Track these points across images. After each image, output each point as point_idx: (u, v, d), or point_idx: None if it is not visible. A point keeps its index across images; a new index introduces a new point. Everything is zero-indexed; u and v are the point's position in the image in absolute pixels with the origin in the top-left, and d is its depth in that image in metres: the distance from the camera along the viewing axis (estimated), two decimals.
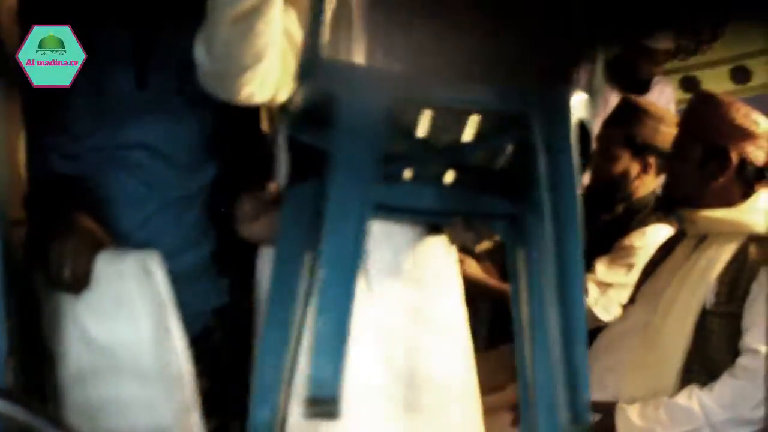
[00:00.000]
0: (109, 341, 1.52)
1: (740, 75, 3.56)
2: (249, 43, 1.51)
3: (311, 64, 1.13)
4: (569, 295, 0.99)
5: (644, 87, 3.56)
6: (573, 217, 1.00)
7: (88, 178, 1.62)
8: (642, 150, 2.62)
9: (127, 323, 1.53)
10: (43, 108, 1.57)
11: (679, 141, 2.25)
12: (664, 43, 3.51)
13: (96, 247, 1.53)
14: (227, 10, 1.44)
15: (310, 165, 1.16)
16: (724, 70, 3.64)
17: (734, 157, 2.10)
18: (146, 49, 1.63)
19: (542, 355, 1.15)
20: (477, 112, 1.08)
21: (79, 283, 1.50)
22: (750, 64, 3.56)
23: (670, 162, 2.31)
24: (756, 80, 3.61)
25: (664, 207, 2.38)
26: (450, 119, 1.11)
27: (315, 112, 1.11)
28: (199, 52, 1.54)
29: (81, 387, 1.53)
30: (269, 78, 1.57)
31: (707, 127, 2.14)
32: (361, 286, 1.52)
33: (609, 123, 2.70)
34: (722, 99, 2.19)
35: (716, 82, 3.65)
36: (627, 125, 2.63)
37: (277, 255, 1.17)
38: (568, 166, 1.02)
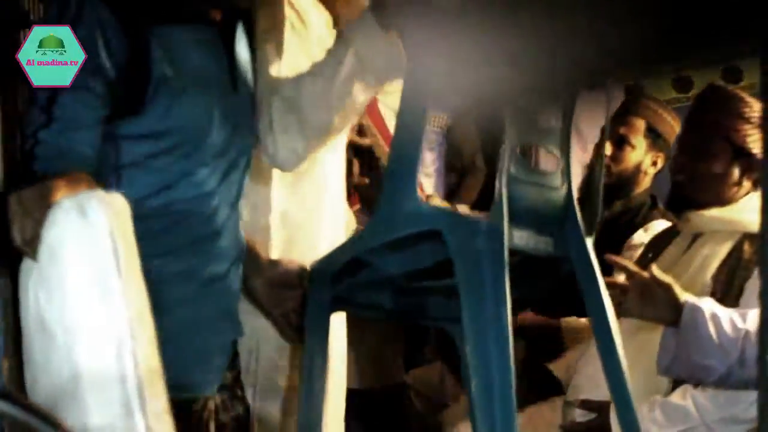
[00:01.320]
0: (48, 314, 1.24)
1: (732, 75, 3.56)
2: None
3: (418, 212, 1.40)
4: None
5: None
6: None
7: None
8: (659, 143, 2.62)
9: (58, 285, 1.23)
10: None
11: (704, 140, 2.11)
12: None
13: (54, 196, 1.28)
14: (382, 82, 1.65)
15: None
16: (716, 69, 3.64)
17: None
18: (232, 53, 1.64)
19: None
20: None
21: (32, 242, 1.26)
22: (741, 64, 3.57)
23: (688, 162, 2.15)
24: (747, 80, 3.62)
25: (675, 208, 2.20)
26: None
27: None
28: (290, 125, 1.64)
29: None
30: None
31: (738, 130, 2.06)
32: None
33: (626, 113, 2.65)
34: (747, 99, 2.08)
35: (708, 81, 3.66)
36: (648, 117, 2.62)
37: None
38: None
